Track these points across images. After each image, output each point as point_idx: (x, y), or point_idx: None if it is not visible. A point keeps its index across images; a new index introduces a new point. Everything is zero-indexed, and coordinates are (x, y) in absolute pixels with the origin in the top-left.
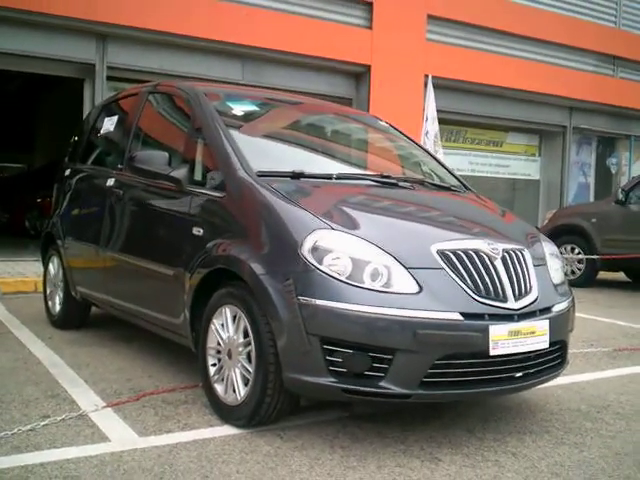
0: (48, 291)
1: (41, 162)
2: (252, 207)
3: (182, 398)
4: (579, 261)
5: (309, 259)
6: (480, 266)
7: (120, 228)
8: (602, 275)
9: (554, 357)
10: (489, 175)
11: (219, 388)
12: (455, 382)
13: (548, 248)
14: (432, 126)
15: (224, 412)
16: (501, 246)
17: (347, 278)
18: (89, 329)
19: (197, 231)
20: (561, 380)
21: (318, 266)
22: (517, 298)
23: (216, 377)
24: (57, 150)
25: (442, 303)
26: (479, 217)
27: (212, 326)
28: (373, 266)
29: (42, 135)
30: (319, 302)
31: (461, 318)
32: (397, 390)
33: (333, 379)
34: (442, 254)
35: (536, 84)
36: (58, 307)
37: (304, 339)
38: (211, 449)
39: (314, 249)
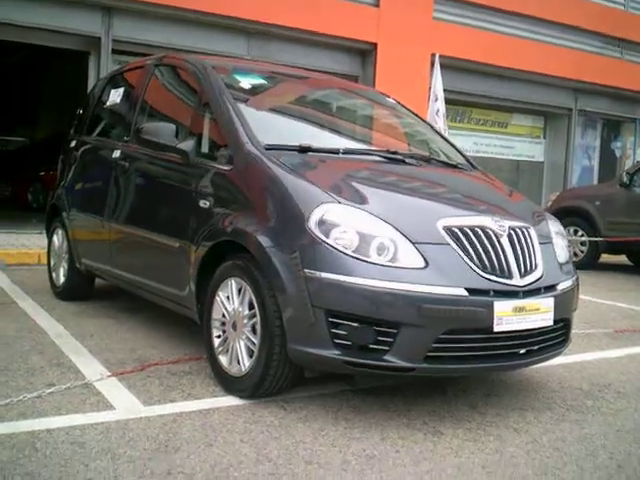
0: (52, 263)
1: (44, 136)
2: (259, 180)
3: (186, 369)
4: (582, 243)
5: (316, 232)
6: (486, 242)
7: (125, 200)
8: (604, 258)
9: (557, 335)
10: (493, 156)
11: (223, 359)
12: (459, 357)
13: (554, 227)
14: (441, 105)
15: (228, 383)
16: (507, 223)
17: (353, 252)
18: (94, 301)
19: (204, 204)
20: (563, 359)
21: (325, 239)
22: (522, 275)
23: (220, 349)
24: (60, 124)
25: (447, 278)
26: (486, 195)
27: (217, 298)
28: (379, 240)
29: (45, 109)
30: (325, 275)
31: (466, 294)
32: (401, 364)
33: (337, 352)
34: (448, 230)
35: (542, 65)
36: (62, 279)
37: (309, 312)
38: (215, 419)
39: (321, 222)
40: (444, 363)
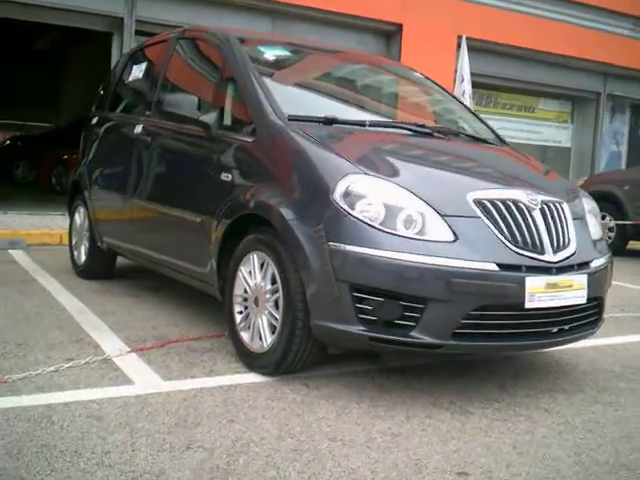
0: (74, 241)
1: (69, 121)
2: (283, 152)
3: (207, 346)
4: (610, 229)
5: (341, 204)
6: (518, 216)
7: (147, 176)
8: (632, 245)
9: (591, 314)
10: (520, 141)
11: (245, 336)
12: (488, 334)
13: (588, 204)
14: (468, 86)
15: (250, 360)
16: (540, 197)
17: (380, 224)
18: (115, 280)
19: (226, 177)
20: (593, 341)
21: (350, 212)
22: (555, 251)
23: (242, 325)
24: (84, 109)
25: (478, 253)
26: (518, 170)
27: (239, 273)
28: (407, 213)
29: (69, 93)
30: (350, 248)
31: (497, 269)
32: (428, 340)
33: (362, 327)
34: (479, 203)
35: (570, 48)
36: (84, 257)
37: (333, 286)
38: (236, 395)
39: (346, 194)
40: (473, 340)
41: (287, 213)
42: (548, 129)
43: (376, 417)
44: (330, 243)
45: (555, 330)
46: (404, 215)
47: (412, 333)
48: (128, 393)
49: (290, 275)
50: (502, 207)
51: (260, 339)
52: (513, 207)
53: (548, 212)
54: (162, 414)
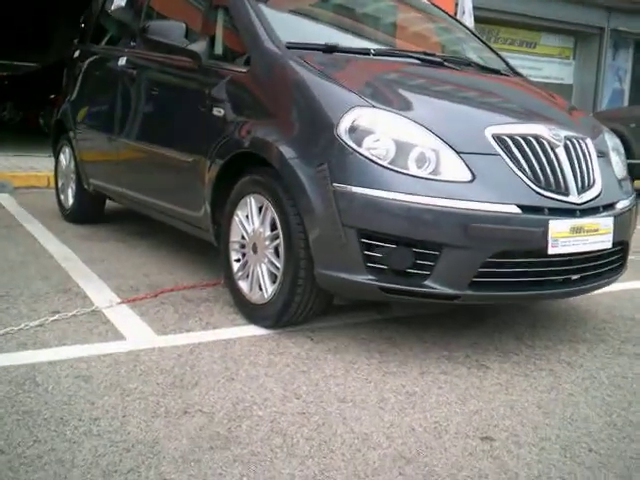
0: (60, 184)
1: (55, 60)
2: (280, 83)
3: (204, 295)
4: None
5: (346, 141)
6: (540, 154)
7: (134, 113)
8: (638, 184)
9: (615, 259)
10: None
11: (243, 285)
12: (508, 283)
13: (611, 141)
14: (470, 19)
15: (249, 311)
16: (563, 133)
17: (389, 163)
18: (104, 224)
19: (218, 111)
20: (610, 287)
21: (356, 149)
22: (580, 191)
23: (240, 273)
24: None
25: (497, 194)
26: (536, 103)
27: (236, 218)
28: (419, 150)
29: (57, 34)
30: (357, 190)
31: (518, 211)
32: (443, 290)
33: (371, 277)
34: (498, 138)
35: None
36: (71, 200)
37: (339, 232)
38: (236, 350)
39: (352, 129)
40: (491, 290)
41: (287, 151)
42: (550, 65)
43: (388, 373)
44: (335, 184)
45: (576, 277)
46: (416, 153)
47: (426, 282)
48: (119, 349)
49: (291, 220)
50: (523, 143)
51: (260, 289)
52: (535, 143)
53: (572, 149)
54: (156, 373)
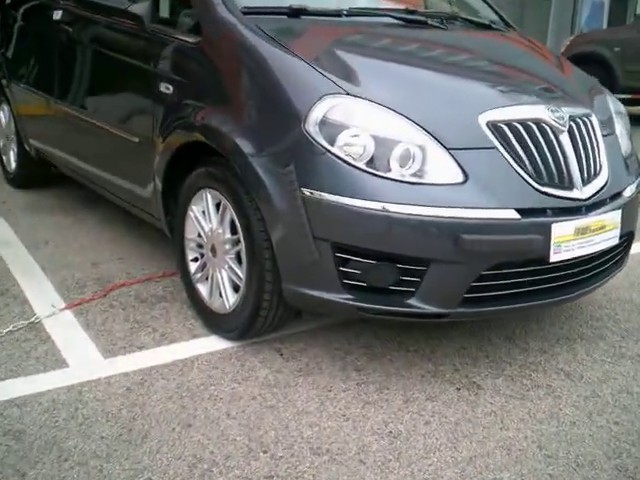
0: (1, 144)
1: None
2: (235, 58)
3: (159, 292)
4: None
5: (316, 138)
6: (542, 143)
7: (71, 76)
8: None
9: (619, 251)
10: None
11: (202, 290)
12: (503, 296)
13: (614, 106)
14: None
15: (209, 319)
16: (567, 112)
17: (368, 164)
18: (50, 190)
19: (166, 88)
20: None
21: (328, 147)
22: (585, 183)
23: (198, 275)
24: None
25: (494, 197)
26: (534, 67)
27: (190, 213)
28: (403, 147)
29: None
30: (329, 197)
31: (517, 216)
32: (430, 309)
33: (349, 295)
34: (494, 127)
35: None
36: (14, 163)
37: (310, 245)
38: (194, 377)
39: (323, 123)
40: (484, 305)
41: (245, 146)
42: None
43: (367, 404)
44: (304, 190)
45: (579, 278)
46: (400, 150)
47: (410, 301)
48: (59, 383)
49: (254, 226)
50: (523, 132)
51: (220, 296)
52: (536, 130)
53: (577, 133)
54: (101, 421)
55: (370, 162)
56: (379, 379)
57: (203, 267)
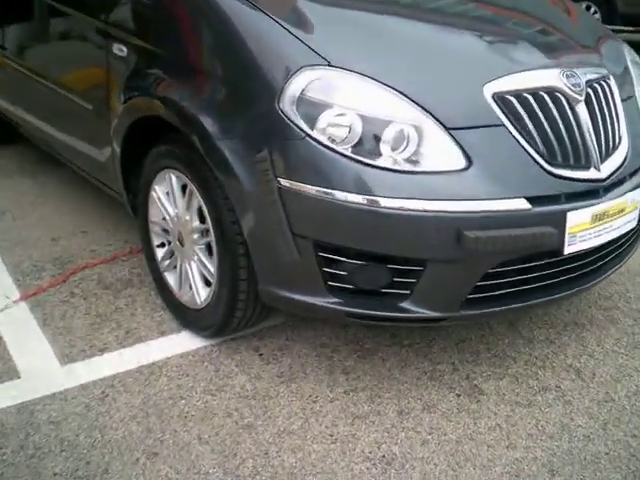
0: None
1: None
2: (198, 20)
3: (125, 276)
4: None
5: (293, 119)
6: (557, 116)
7: (19, 29)
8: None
9: (635, 231)
10: None
11: (171, 279)
12: (511, 294)
13: (630, 55)
14: None
15: (179, 312)
16: (583, 77)
17: (354, 150)
18: (12, 149)
19: (119, 50)
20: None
21: (308, 131)
22: (603, 159)
23: (166, 263)
24: None
25: (501, 184)
26: (540, 14)
27: (153, 194)
28: (396, 128)
29: None
30: (310, 189)
31: (528, 206)
32: (428, 313)
33: (335, 299)
34: (501, 100)
35: None
36: None
37: (289, 243)
38: (162, 388)
39: (301, 102)
40: (489, 306)
41: (211, 126)
42: None
43: (358, 418)
44: (280, 180)
45: (595, 267)
46: (392, 132)
47: (403, 305)
48: (8, 400)
49: (224, 217)
50: (534, 104)
51: (190, 288)
52: (549, 101)
53: (595, 101)
54: (54, 451)
55: (357, 146)
56: (370, 384)
57: (171, 254)
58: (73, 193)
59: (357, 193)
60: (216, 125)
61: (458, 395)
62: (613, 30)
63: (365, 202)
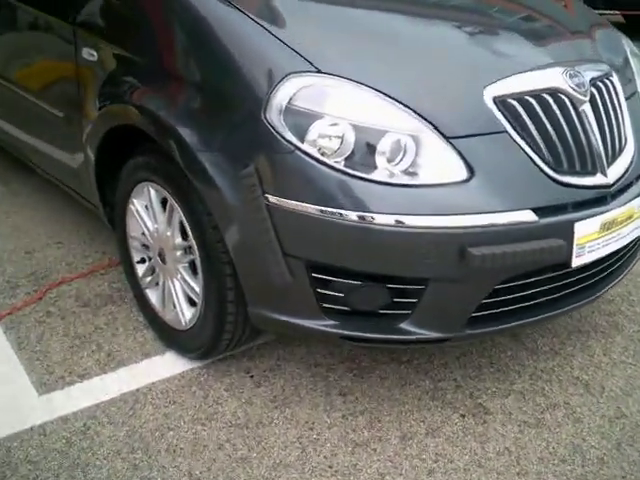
0: None
1: None
2: (174, 21)
3: (104, 291)
4: None
5: (281, 131)
6: (561, 120)
7: None
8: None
9: None
10: None
11: (153, 297)
12: (516, 310)
13: (628, 46)
14: None
15: (163, 332)
16: (587, 75)
17: (347, 163)
18: None
19: (90, 54)
20: None
21: (297, 144)
22: (609, 162)
23: (148, 279)
24: None
25: (505, 195)
26: (537, 6)
27: (132, 207)
28: (392, 138)
29: None
30: (302, 206)
31: (534, 218)
32: (429, 334)
33: (330, 322)
34: (502, 105)
35: None
36: None
37: (281, 265)
38: (148, 417)
39: (289, 112)
40: (494, 324)
41: (191, 137)
42: None
43: (358, 447)
44: (269, 197)
45: (603, 276)
46: (387, 143)
47: (404, 326)
48: None
49: (208, 235)
50: (537, 107)
51: (174, 307)
52: (553, 104)
53: (599, 100)
54: None
55: (350, 159)
56: (369, 406)
57: (152, 271)
58: (47, 201)
59: (351, 209)
60: (196, 136)
61: (463, 416)
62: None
63: (360, 219)
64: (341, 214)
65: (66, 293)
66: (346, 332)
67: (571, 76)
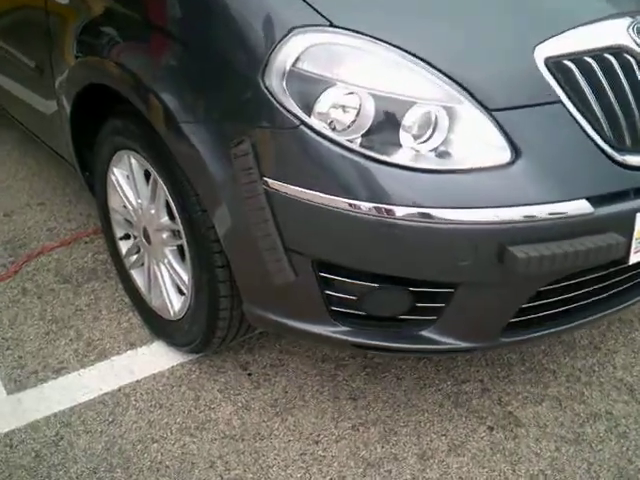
0: None
1: None
2: None
3: (87, 263)
4: None
5: (283, 101)
6: (625, 85)
7: None
8: None
9: None
10: None
11: (138, 279)
12: (561, 313)
13: None
14: None
15: (150, 319)
16: None
17: (363, 141)
18: None
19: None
20: None
21: (303, 117)
22: None
23: (132, 259)
24: None
25: (556, 183)
26: None
27: (112, 176)
28: (421, 110)
29: None
30: (306, 193)
31: (590, 210)
32: (457, 344)
33: (340, 328)
34: (556, 68)
35: None
36: None
37: (281, 261)
38: (129, 425)
39: (293, 77)
40: (535, 330)
41: (176, 107)
42: None
43: (370, 467)
44: (268, 181)
45: None
46: (414, 116)
47: (427, 334)
48: None
49: (197, 219)
50: (598, 70)
51: (161, 294)
52: (616, 65)
53: None
54: None
55: (367, 137)
56: (383, 415)
57: (136, 250)
58: (31, 154)
59: (367, 200)
60: (183, 106)
61: (491, 428)
62: None
63: (377, 211)
64: (354, 205)
65: (45, 266)
66: (359, 340)
67: (639, 31)
